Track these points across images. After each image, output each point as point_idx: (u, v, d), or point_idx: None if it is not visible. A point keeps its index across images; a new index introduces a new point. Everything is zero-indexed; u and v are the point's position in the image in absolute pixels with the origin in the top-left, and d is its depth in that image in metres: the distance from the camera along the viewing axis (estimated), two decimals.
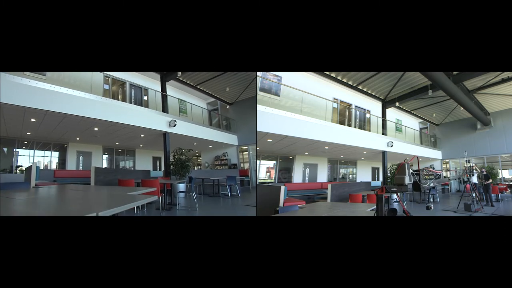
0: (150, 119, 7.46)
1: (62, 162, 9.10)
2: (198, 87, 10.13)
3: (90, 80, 6.95)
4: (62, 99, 5.57)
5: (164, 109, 8.33)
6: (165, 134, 8.01)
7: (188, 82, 9.79)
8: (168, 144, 8.13)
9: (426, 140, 11.77)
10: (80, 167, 9.33)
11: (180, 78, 9.17)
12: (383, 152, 9.06)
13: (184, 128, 8.33)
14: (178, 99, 9.94)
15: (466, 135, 11.76)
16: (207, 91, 10.53)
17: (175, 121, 7.98)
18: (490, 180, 7.80)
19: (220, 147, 11.07)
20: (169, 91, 8.88)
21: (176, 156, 8.35)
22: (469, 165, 7.41)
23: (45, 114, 5.97)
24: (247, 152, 10.97)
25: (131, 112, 7.00)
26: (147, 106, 8.95)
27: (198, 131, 9.20)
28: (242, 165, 11.09)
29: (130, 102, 8.75)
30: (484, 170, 8.17)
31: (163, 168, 11.22)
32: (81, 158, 9.42)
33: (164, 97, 8.49)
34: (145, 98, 9.22)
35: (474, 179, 8.15)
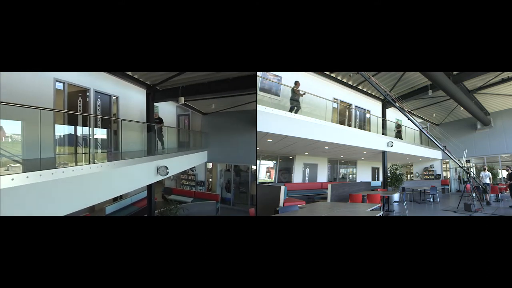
0: None
1: None
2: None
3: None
4: None
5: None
6: None
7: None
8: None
9: (426, 140, 11.78)
10: None
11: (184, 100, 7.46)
12: (383, 152, 9.05)
13: None
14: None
15: (466, 135, 11.76)
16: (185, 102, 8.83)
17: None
18: None
19: None
20: (139, 94, 7.75)
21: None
22: (468, 164, 7.39)
23: None
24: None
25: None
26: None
27: (172, 161, 7.09)
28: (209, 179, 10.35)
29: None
30: (509, 168, 7.83)
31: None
32: None
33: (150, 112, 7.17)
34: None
35: (487, 180, 8.06)
